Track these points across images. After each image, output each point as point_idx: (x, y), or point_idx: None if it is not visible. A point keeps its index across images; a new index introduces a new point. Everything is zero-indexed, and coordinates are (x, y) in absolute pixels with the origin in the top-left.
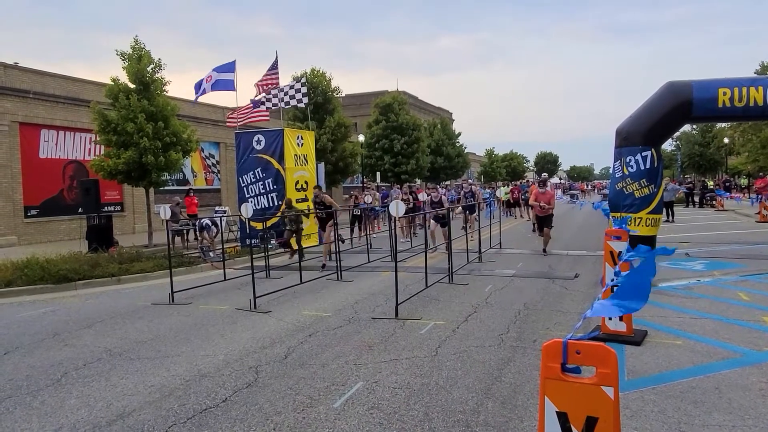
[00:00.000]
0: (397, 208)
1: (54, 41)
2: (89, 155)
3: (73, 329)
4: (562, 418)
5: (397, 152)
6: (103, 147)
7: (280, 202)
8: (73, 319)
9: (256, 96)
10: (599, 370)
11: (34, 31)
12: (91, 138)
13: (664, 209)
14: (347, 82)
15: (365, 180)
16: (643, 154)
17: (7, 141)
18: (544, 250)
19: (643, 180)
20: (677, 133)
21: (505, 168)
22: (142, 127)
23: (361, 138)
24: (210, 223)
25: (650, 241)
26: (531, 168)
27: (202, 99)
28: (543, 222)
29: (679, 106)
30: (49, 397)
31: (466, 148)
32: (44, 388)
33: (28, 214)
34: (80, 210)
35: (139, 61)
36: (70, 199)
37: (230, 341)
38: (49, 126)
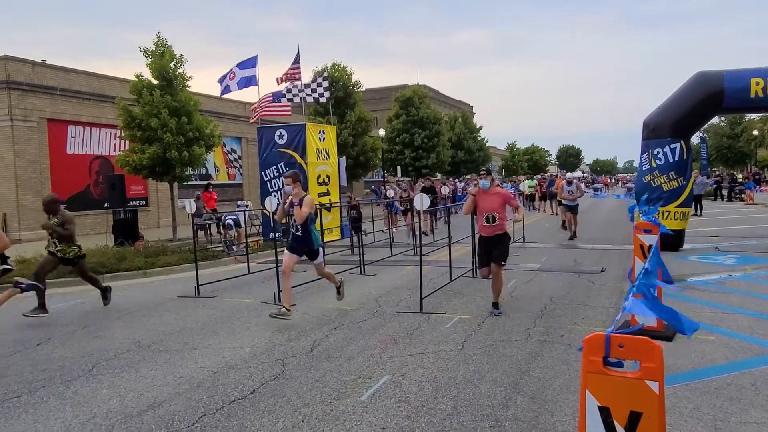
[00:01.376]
0: (422, 201)
1: (78, 38)
2: (114, 150)
3: (102, 321)
4: (605, 412)
5: (418, 146)
6: (128, 142)
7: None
8: (102, 312)
9: (278, 89)
10: (644, 365)
11: (59, 29)
12: (116, 134)
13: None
14: (368, 76)
15: (386, 174)
16: (672, 146)
17: (36, 137)
18: (495, 305)
19: (672, 173)
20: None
21: (526, 162)
22: (166, 122)
23: (382, 132)
24: (233, 224)
25: (678, 234)
26: (553, 161)
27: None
28: (489, 248)
29: (710, 96)
30: (81, 387)
31: (487, 141)
32: (76, 378)
33: None
34: (106, 205)
35: (161, 57)
36: (96, 194)
37: (256, 334)
38: (75, 122)
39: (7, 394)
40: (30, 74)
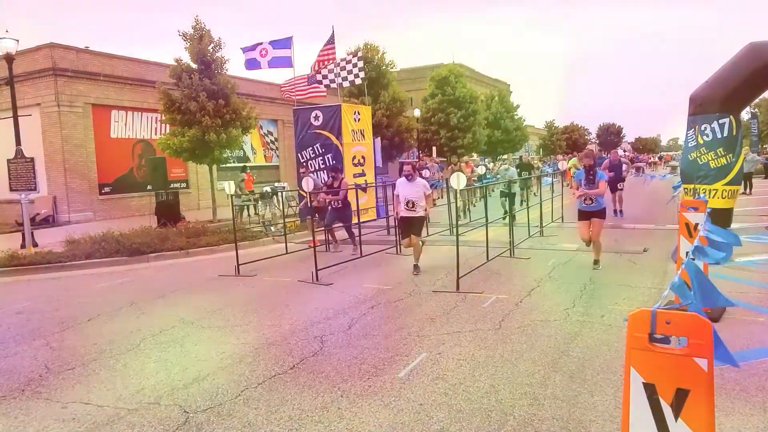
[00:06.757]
0: (459, 180)
1: (116, 24)
2: (156, 134)
3: (148, 299)
4: (650, 389)
5: (454, 126)
6: (168, 126)
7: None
8: (148, 289)
9: (312, 73)
10: (692, 341)
11: (100, 15)
12: (157, 117)
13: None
14: (402, 56)
15: (420, 155)
16: (720, 121)
17: (81, 122)
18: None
19: (720, 149)
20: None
21: (565, 140)
22: (204, 105)
23: (417, 112)
24: (270, 191)
25: (726, 213)
26: (593, 140)
27: (259, 76)
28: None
29: (763, 68)
30: (130, 360)
31: (525, 120)
32: (125, 353)
33: (102, 191)
34: (149, 187)
35: (200, 40)
36: (139, 177)
37: (295, 312)
38: (118, 107)
39: (63, 366)
40: (74, 61)
